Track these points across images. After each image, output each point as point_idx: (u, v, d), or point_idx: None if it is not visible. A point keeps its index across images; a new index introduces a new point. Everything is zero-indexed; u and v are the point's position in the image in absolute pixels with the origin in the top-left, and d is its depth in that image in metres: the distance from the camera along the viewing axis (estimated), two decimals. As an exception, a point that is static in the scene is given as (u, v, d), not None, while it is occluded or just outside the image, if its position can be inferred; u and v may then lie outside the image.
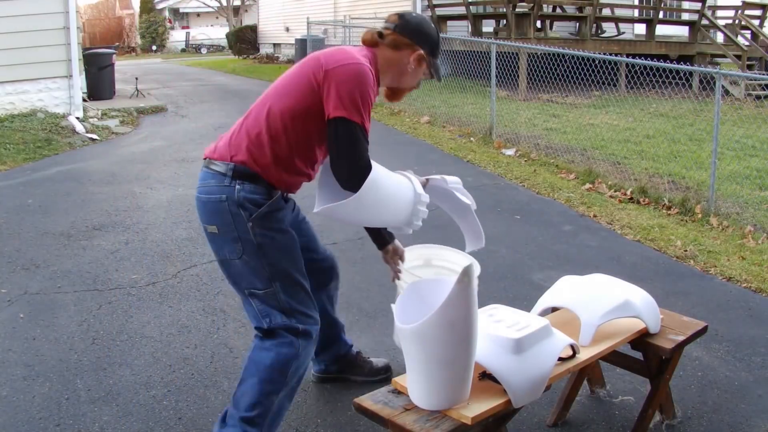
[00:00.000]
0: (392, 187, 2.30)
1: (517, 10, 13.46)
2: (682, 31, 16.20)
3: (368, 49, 2.33)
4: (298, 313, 2.34)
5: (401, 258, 2.67)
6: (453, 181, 2.55)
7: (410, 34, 2.30)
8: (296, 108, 2.21)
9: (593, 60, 8.44)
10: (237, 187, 2.22)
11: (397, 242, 2.66)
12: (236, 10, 31.70)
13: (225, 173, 2.24)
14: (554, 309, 2.61)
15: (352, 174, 2.18)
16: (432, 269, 2.76)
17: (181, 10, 37.69)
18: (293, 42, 17.97)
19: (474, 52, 11.43)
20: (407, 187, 2.35)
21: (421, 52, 2.32)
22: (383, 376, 2.95)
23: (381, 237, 2.63)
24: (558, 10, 15.68)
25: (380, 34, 2.32)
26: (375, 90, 2.23)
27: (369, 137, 2.24)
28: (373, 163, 2.23)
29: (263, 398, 2.31)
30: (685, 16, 16.60)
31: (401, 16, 2.34)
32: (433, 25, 2.39)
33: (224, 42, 29.83)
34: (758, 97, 12.45)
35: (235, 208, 2.23)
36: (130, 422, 2.70)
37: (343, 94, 2.14)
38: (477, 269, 2.55)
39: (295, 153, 2.26)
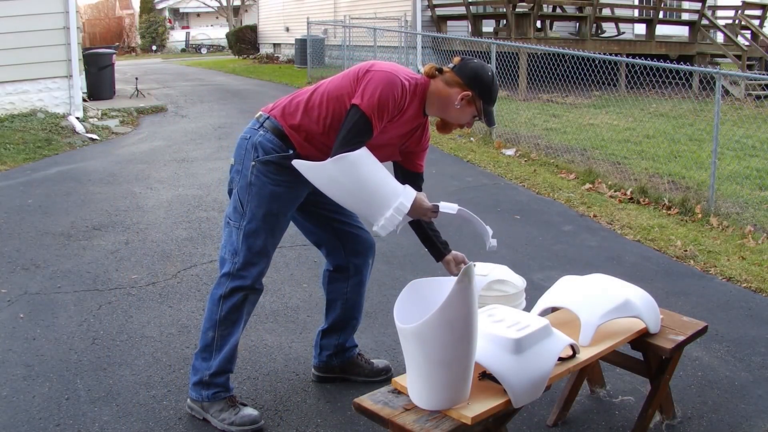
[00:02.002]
0: (375, 181, 2.43)
1: (517, 10, 13.46)
2: (682, 31, 16.20)
3: (422, 77, 2.56)
4: (244, 262, 2.59)
5: (465, 263, 2.77)
6: (453, 208, 2.56)
7: (464, 76, 2.52)
8: (335, 91, 2.51)
9: (593, 60, 8.44)
10: (261, 132, 2.56)
11: (455, 252, 2.83)
12: (236, 10, 31.71)
13: (258, 120, 2.60)
14: (554, 309, 2.61)
15: (338, 147, 2.40)
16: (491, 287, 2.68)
17: (181, 10, 37.70)
18: (293, 42, 17.99)
19: (474, 52, 11.45)
20: (392, 191, 2.45)
21: (470, 93, 2.50)
22: (384, 377, 2.96)
23: (437, 250, 2.84)
24: (558, 10, 15.69)
25: (440, 70, 2.57)
26: (398, 100, 2.45)
27: (373, 135, 2.44)
28: (367, 155, 2.41)
29: (203, 333, 2.65)
30: (685, 16, 16.60)
31: (463, 59, 2.58)
32: (491, 74, 2.57)
33: (224, 42, 29.84)
34: (758, 97, 12.45)
35: (250, 146, 2.57)
36: (130, 422, 2.70)
37: (367, 90, 2.41)
38: (522, 283, 2.58)
39: (320, 128, 2.52)
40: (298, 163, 2.45)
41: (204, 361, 2.64)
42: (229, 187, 2.68)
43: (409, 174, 2.73)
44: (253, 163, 2.55)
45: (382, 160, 2.53)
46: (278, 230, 2.66)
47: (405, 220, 2.51)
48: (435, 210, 2.51)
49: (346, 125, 2.41)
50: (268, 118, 2.58)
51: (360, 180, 2.40)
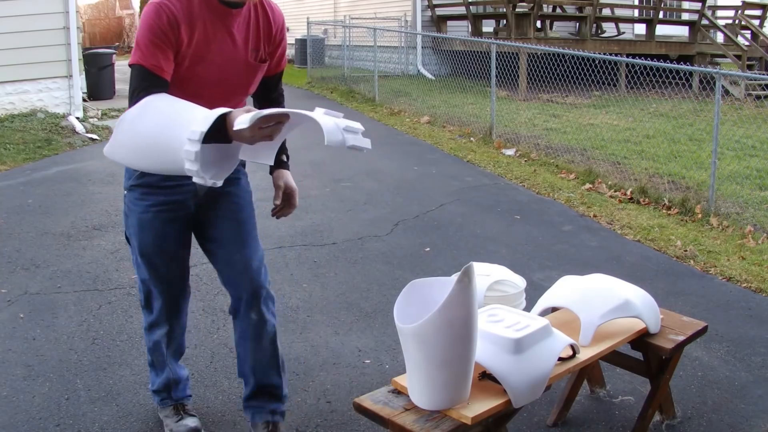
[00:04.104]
0: (166, 122, 1.94)
1: (517, 10, 13.46)
2: (682, 31, 16.19)
3: None
4: (144, 297, 2.50)
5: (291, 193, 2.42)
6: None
7: None
8: None
9: (593, 60, 8.44)
10: None
11: (289, 179, 2.42)
12: (236, 10, 31.67)
13: None
14: (554, 309, 2.61)
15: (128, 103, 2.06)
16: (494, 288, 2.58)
17: (181, 10, 37.65)
18: (293, 42, 17.97)
19: (474, 52, 11.45)
20: (186, 122, 1.88)
21: None
22: None
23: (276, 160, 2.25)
24: (558, 10, 15.68)
25: None
26: (164, 20, 2.03)
27: (157, 75, 2.04)
28: (155, 99, 1.99)
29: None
30: (685, 16, 16.60)
31: None
32: None
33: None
34: (758, 97, 12.44)
35: (125, 171, 2.35)
36: (130, 422, 2.70)
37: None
38: (522, 283, 2.55)
39: None
40: (105, 151, 2.09)
41: (150, 373, 2.65)
42: None
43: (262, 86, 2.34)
44: (125, 191, 2.36)
45: (232, 99, 2.17)
46: (162, 263, 2.38)
47: (228, 152, 2.02)
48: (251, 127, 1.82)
49: (129, 89, 2.08)
50: None
51: (148, 130, 1.95)
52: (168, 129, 1.92)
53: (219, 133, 1.87)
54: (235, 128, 1.82)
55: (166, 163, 1.94)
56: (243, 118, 1.81)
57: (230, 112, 1.87)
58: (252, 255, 2.35)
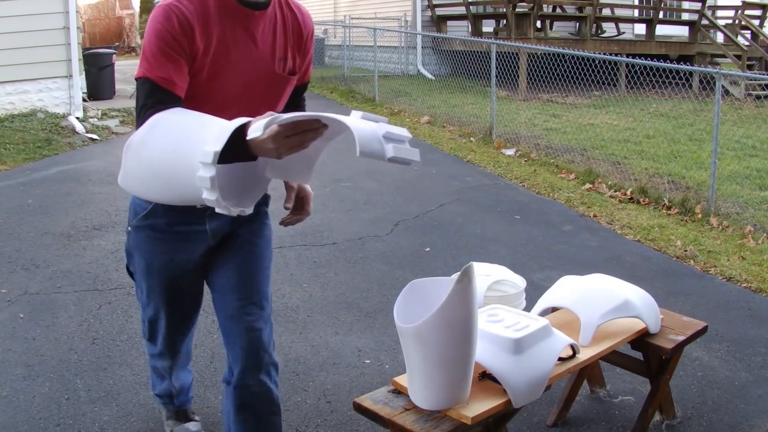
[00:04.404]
0: (167, 150, 1.65)
1: (517, 10, 13.46)
2: (682, 31, 16.19)
3: None
4: (149, 334, 2.30)
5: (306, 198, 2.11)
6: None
7: None
8: None
9: (593, 60, 8.44)
10: None
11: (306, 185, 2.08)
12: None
13: None
14: (554, 309, 2.61)
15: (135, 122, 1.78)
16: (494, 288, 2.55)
17: (181, 10, 37.66)
18: (293, 42, 17.91)
19: (474, 52, 11.45)
20: (193, 147, 1.57)
21: None
22: None
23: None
24: (558, 10, 15.68)
25: None
26: (177, 27, 1.72)
27: (167, 88, 1.73)
28: (165, 117, 1.67)
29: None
30: (685, 16, 16.59)
31: None
32: None
33: (224, 42, 29.75)
34: (758, 97, 12.44)
35: (130, 207, 2.08)
36: (130, 422, 2.70)
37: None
38: (522, 283, 2.53)
39: None
40: (119, 182, 1.83)
41: (152, 377, 2.56)
42: None
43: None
44: (129, 229, 2.08)
45: (253, 109, 1.72)
46: (173, 307, 2.18)
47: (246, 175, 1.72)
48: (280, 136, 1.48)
49: (135, 105, 1.80)
50: None
51: (157, 154, 1.66)
52: (179, 151, 1.60)
53: (239, 149, 1.52)
54: (248, 137, 1.50)
55: (181, 192, 1.64)
56: (256, 125, 1.49)
57: (249, 122, 1.53)
58: (257, 313, 2.01)
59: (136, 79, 1.78)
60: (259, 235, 2.09)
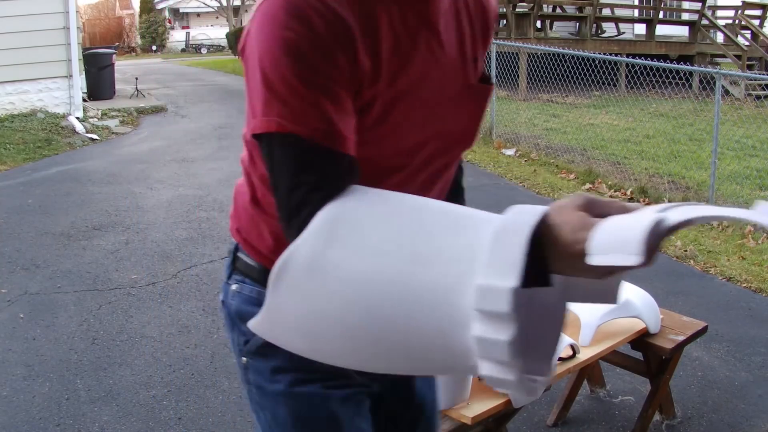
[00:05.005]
0: (383, 283, 0.86)
1: (517, 10, 13.47)
2: (682, 31, 16.19)
3: None
4: None
5: None
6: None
7: None
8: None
9: (593, 60, 8.44)
10: (233, 286, 1.21)
11: None
12: (236, 10, 31.71)
13: (230, 257, 1.24)
14: (554, 309, 2.61)
15: (285, 231, 0.95)
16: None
17: (181, 10, 37.69)
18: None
19: (474, 52, 11.41)
20: (438, 276, 0.84)
21: None
22: None
23: None
24: (558, 10, 15.68)
25: None
26: (323, 47, 0.92)
27: (330, 154, 0.93)
28: (351, 231, 0.88)
29: None
30: (685, 16, 16.59)
31: None
32: None
33: (224, 42, 29.81)
34: (758, 97, 12.44)
35: (230, 323, 1.23)
36: (130, 422, 2.70)
37: (254, 90, 0.96)
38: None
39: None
40: (255, 328, 0.97)
41: None
42: None
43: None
44: (244, 359, 1.19)
45: (452, 161, 1.18)
46: None
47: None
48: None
49: (272, 185, 0.95)
50: (235, 246, 1.21)
51: (362, 292, 0.87)
52: (410, 288, 0.85)
53: (536, 271, 0.82)
54: (590, 261, 0.82)
55: (416, 361, 0.96)
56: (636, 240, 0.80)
57: (548, 214, 0.82)
58: None
59: (255, 136, 0.96)
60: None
